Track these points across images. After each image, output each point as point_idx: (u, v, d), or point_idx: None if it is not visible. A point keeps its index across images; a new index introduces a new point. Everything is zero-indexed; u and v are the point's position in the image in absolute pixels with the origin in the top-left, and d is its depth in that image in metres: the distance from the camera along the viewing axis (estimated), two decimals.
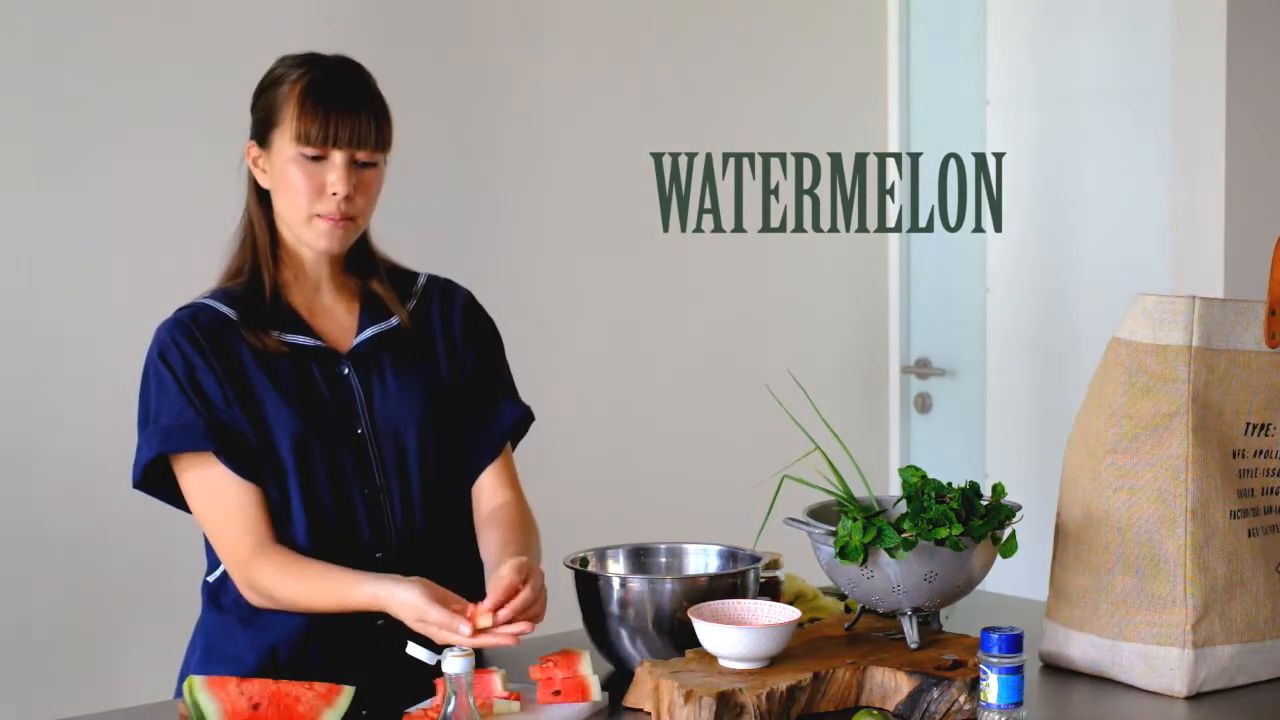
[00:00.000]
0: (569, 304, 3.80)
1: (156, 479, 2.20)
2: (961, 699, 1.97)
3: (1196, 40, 3.62)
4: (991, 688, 1.90)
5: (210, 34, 3.23)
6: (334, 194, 2.17)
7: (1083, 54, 4.02)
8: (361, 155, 2.18)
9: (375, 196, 2.23)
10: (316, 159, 2.17)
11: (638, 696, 2.03)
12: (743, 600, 2.12)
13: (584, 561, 2.27)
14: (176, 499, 2.22)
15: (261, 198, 2.24)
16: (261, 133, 2.22)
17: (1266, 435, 2.14)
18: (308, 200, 2.17)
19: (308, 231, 2.20)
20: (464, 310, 2.37)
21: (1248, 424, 2.13)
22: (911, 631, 2.09)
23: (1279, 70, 3.66)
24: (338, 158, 2.16)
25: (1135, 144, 3.90)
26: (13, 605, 3.02)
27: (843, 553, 2.05)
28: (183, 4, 3.20)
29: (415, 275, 2.38)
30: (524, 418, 2.38)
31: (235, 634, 2.21)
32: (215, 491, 2.17)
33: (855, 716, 1.92)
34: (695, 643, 2.06)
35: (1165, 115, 3.75)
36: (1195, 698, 2.09)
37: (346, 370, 2.24)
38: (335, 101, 2.17)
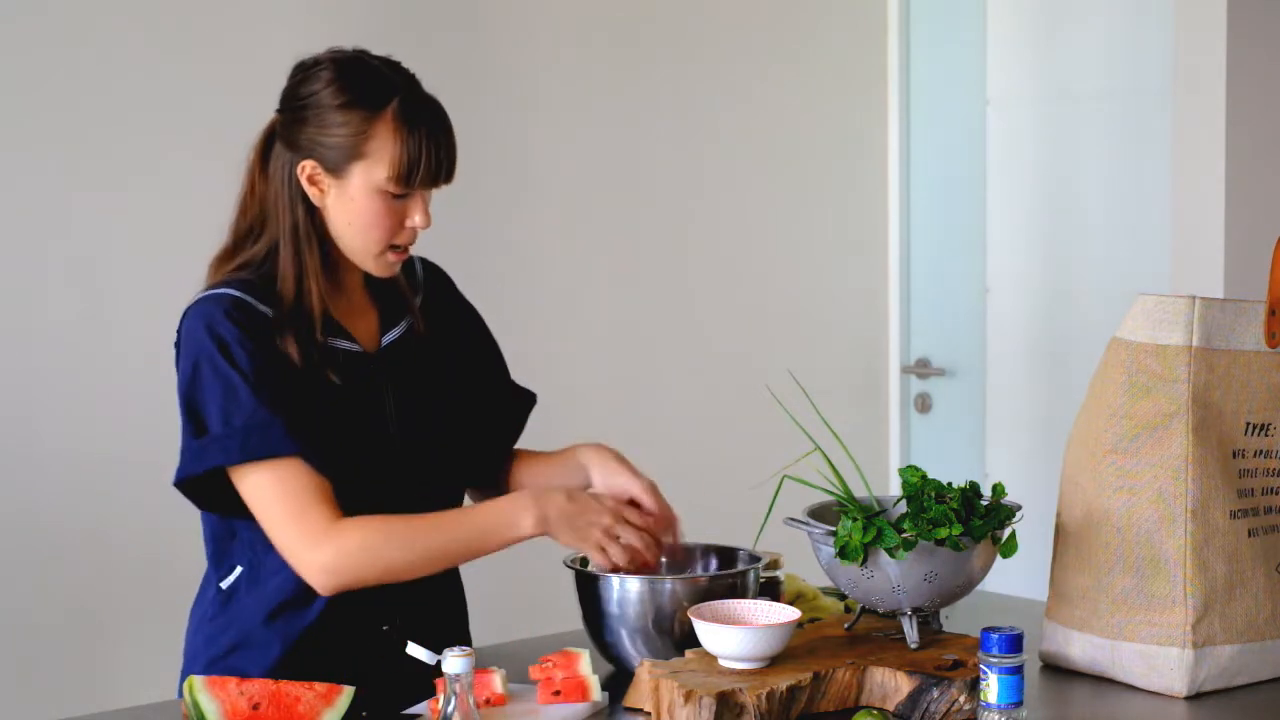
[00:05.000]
0: (569, 304, 3.80)
1: (198, 481, 2.11)
2: (961, 699, 1.97)
3: (1196, 40, 3.62)
4: (991, 688, 1.90)
5: (211, 31, 3.23)
6: (413, 227, 2.13)
7: (1083, 54, 4.02)
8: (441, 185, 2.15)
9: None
10: (401, 195, 2.12)
11: (638, 696, 2.03)
12: (743, 600, 2.12)
13: (584, 561, 2.27)
14: (212, 503, 2.14)
15: (308, 210, 2.14)
16: (334, 162, 2.10)
17: (1266, 435, 2.14)
18: (387, 235, 2.12)
19: (375, 263, 2.15)
20: (456, 297, 2.38)
21: (1248, 424, 2.13)
22: (911, 631, 2.09)
23: (1279, 70, 3.66)
24: (422, 194, 2.13)
25: (1135, 144, 3.90)
26: (13, 605, 3.02)
27: (843, 553, 2.05)
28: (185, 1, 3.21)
29: (411, 259, 2.33)
30: (530, 404, 2.40)
31: (236, 647, 2.17)
32: (294, 482, 2.07)
33: (855, 716, 1.92)
34: (695, 643, 2.06)
35: (1165, 115, 3.76)
36: (1195, 698, 2.09)
37: (379, 369, 2.21)
38: (432, 137, 2.10)
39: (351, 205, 2.12)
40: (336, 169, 2.11)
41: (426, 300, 2.31)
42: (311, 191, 2.13)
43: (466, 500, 2.35)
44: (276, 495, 2.08)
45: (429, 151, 2.10)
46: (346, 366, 2.17)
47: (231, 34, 3.25)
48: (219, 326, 2.09)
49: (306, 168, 2.12)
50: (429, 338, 2.28)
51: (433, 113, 2.13)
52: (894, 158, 4.35)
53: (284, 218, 2.16)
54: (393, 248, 2.15)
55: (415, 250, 2.38)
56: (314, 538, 2.07)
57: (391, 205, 2.12)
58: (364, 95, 2.09)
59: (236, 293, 2.13)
